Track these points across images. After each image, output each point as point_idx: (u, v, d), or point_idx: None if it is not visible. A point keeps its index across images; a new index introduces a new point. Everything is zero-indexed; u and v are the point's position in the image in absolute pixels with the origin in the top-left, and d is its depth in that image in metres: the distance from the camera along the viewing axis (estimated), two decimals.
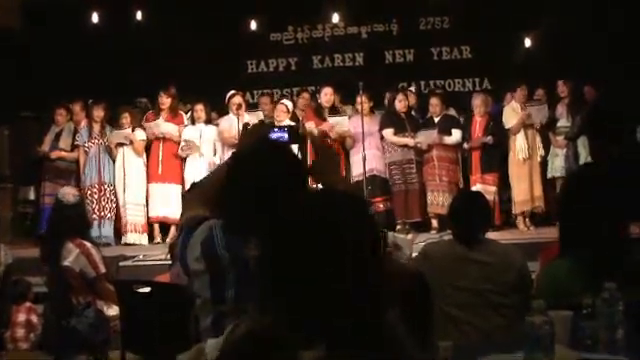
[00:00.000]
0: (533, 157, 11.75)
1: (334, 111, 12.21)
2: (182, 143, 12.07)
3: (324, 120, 11.91)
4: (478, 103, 11.91)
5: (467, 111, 12.38)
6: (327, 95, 12.15)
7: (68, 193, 7.14)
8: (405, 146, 11.81)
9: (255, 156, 3.31)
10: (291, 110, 11.92)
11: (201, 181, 3.73)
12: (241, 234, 3.13)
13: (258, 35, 15.12)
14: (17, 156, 13.42)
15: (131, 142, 12.09)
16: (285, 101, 12.33)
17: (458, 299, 4.81)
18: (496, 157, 11.77)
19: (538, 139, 11.88)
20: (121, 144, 12.16)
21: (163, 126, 12.13)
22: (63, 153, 12.48)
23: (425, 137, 11.73)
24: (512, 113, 11.82)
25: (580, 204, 3.20)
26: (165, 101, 12.29)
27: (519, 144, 11.69)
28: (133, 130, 12.19)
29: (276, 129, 3.94)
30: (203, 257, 3.19)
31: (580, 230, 3.16)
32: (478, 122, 11.82)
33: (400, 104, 11.96)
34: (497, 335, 4.55)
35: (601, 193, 3.12)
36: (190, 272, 3.29)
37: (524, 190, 11.68)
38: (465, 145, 11.83)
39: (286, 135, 3.87)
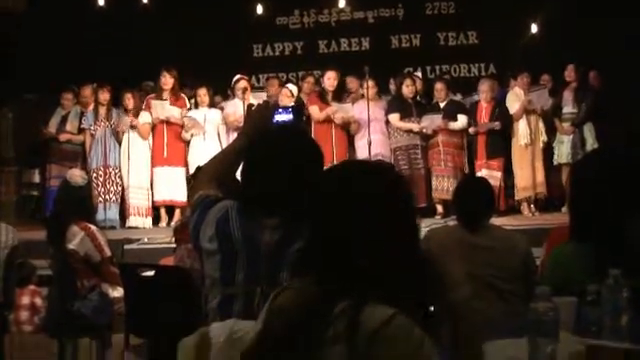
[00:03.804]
0: (535, 143, 11.74)
1: (338, 98, 12.20)
2: (186, 121, 12.05)
3: (328, 104, 11.90)
4: (485, 89, 11.89)
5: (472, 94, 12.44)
6: (330, 79, 12.12)
7: (76, 175, 7.13)
8: (411, 131, 11.80)
9: (276, 142, 3.30)
10: (295, 94, 11.94)
11: (208, 163, 3.71)
12: (258, 217, 3.14)
13: (264, 19, 15.09)
14: (21, 139, 13.42)
15: (134, 127, 12.09)
16: (289, 85, 12.35)
17: None
18: (501, 142, 11.75)
19: (541, 125, 11.87)
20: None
21: (167, 109, 12.11)
22: (71, 136, 12.50)
23: (430, 122, 11.72)
24: (515, 98, 11.81)
25: (589, 190, 3.19)
26: (168, 81, 12.25)
27: (521, 130, 11.68)
28: (137, 113, 12.18)
29: (281, 109, 3.92)
30: (217, 236, 3.18)
31: (589, 216, 3.15)
32: (484, 108, 11.80)
33: (407, 89, 11.94)
34: (501, 320, 4.55)
35: (609, 179, 3.11)
36: (202, 251, 3.28)
37: (526, 176, 11.67)
38: (471, 130, 11.80)
39: (291, 115, 3.85)
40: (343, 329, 2.05)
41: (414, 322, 2.08)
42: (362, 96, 12.03)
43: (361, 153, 11.63)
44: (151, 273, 6.14)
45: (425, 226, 8.47)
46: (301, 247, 2.41)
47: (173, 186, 12.06)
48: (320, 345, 2.07)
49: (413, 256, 2.24)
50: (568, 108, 11.84)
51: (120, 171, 12.19)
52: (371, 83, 11.81)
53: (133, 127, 12.11)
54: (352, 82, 12.56)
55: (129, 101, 12.24)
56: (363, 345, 2.03)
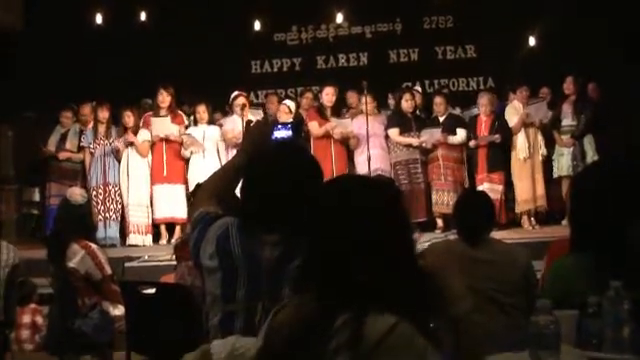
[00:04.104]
0: (534, 156, 11.74)
1: (337, 113, 12.23)
2: (185, 139, 12.06)
3: (327, 120, 11.91)
4: (484, 102, 11.90)
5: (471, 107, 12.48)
6: (329, 95, 12.13)
7: (76, 193, 7.14)
8: (410, 145, 11.81)
9: (275, 158, 3.31)
10: (293, 110, 11.95)
11: (207, 180, 3.72)
12: (258, 234, 3.14)
13: (262, 35, 15.14)
14: (21, 157, 13.43)
15: (131, 144, 12.09)
16: (287, 102, 12.36)
17: None
18: (502, 156, 11.76)
19: (540, 138, 11.88)
20: (126, 145, 12.17)
21: (167, 126, 12.12)
22: (70, 154, 12.51)
23: (429, 136, 11.73)
24: (514, 112, 11.83)
25: (589, 202, 3.19)
26: (165, 99, 12.26)
27: (520, 143, 11.70)
28: (137, 130, 12.19)
29: (280, 125, 3.93)
30: (217, 253, 3.18)
31: (590, 228, 3.15)
32: (484, 121, 11.81)
33: (407, 103, 11.96)
34: (502, 334, 4.55)
35: (609, 191, 3.11)
36: (203, 268, 3.28)
37: (526, 189, 11.68)
38: (472, 143, 11.81)
39: (290, 131, 3.86)
40: (346, 340, 2.06)
41: (417, 331, 2.09)
42: (361, 111, 12.03)
43: (361, 168, 11.63)
44: (152, 291, 6.13)
45: (425, 240, 8.49)
46: (300, 263, 2.42)
47: (173, 203, 12.05)
48: (322, 359, 2.08)
49: (412, 270, 2.25)
50: (567, 120, 11.84)
51: (120, 189, 12.18)
52: (369, 98, 11.82)
53: (131, 144, 12.10)
54: (352, 97, 12.58)
55: (129, 118, 12.24)
56: (366, 355, 2.03)
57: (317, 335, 2.10)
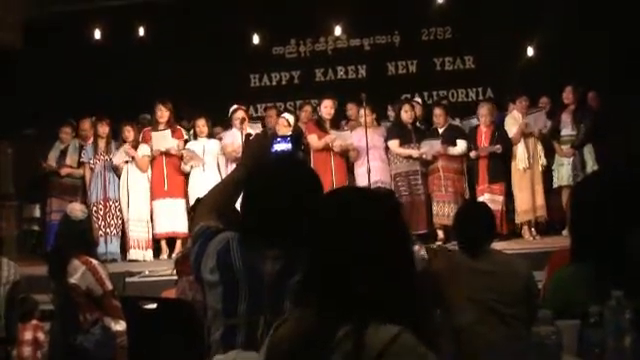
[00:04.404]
0: (534, 166, 11.74)
1: (336, 126, 12.25)
2: (184, 154, 12.07)
3: (326, 133, 11.92)
4: (484, 112, 11.90)
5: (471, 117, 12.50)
6: (327, 108, 12.16)
7: (76, 209, 7.14)
8: (410, 157, 11.81)
9: (275, 172, 3.31)
10: (292, 123, 11.95)
11: (207, 194, 3.71)
12: (258, 248, 3.14)
13: (261, 49, 15.16)
14: (21, 174, 13.43)
15: (133, 158, 12.11)
16: (286, 115, 12.36)
17: None
18: (502, 167, 11.75)
19: (539, 148, 11.87)
20: (125, 161, 12.18)
21: (168, 140, 12.14)
22: (71, 170, 12.51)
23: (429, 147, 11.73)
24: (513, 122, 11.83)
25: (589, 211, 3.19)
26: (164, 114, 12.30)
27: (520, 154, 11.69)
28: (136, 145, 12.20)
29: (279, 139, 3.92)
30: (218, 268, 3.18)
31: (590, 238, 3.15)
32: (484, 132, 11.81)
33: (406, 114, 11.97)
34: (503, 344, 4.55)
35: (610, 200, 3.11)
36: (204, 283, 3.28)
37: (526, 200, 11.66)
38: (472, 154, 11.81)
39: (290, 145, 3.85)
40: (348, 351, 2.06)
41: (418, 340, 2.09)
42: (360, 124, 12.04)
43: (360, 180, 11.63)
44: (153, 306, 6.13)
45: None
46: (301, 277, 2.42)
47: (173, 218, 12.06)
48: None
49: (412, 281, 2.25)
50: (567, 130, 11.84)
51: (120, 204, 12.20)
52: (368, 110, 11.82)
53: (132, 159, 12.12)
54: (352, 109, 12.62)
55: (129, 133, 12.27)
56: None
57: (318, 348, 2.10)
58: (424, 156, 11.78)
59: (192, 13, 14.83)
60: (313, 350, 2.11)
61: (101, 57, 14.30)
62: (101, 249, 11.16)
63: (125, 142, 12.30)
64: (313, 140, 11.83)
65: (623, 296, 2.72)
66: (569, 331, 2.82)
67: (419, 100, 13.63)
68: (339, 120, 12.52)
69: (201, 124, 12.29)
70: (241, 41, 14.79)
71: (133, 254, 12.07)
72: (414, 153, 11.79)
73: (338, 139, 11.84)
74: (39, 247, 12.83)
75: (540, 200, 11.71)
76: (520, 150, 11.68)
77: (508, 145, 11.66)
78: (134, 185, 12.14)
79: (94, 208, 11.88)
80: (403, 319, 2.12)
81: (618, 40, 13.10)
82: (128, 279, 10.20)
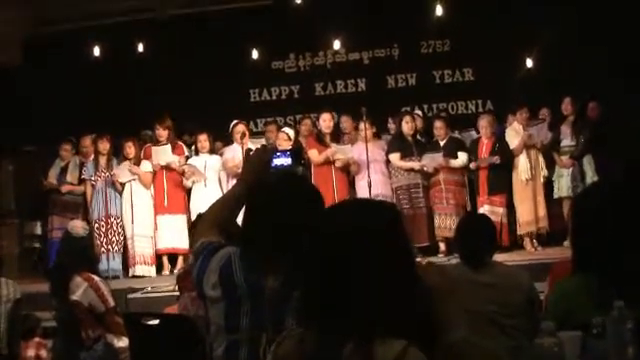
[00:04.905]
0: (536, 178, 11.74)
1: (336, 140, 12.24)
2: (186, 169, 12.08)
3: (326, 146, 11.93)
4: (484, 124, 11.91)
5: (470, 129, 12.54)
6: (325, 121, 12.18)
7: (78, 226, 7.13)
8: (412, 170, 11.81)
9: (275, 187, 3.32)
10: (292, 138, 11.95)
11: (208, 210, 3.72)
12: (260, 263, 3.14)
13: (260, 64, 15.15)
14: (22, 191, 13.44)
15: (134, 174, 12.12)
16: (286, 129, 12.37)
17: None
18: (503, 178, 11.74)
19: (541, 159, 11.87)
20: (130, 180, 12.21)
21: (169, 155, 12.16)
22: (72, 187, 12.52)
23: (431, 160, 11.73)
24: (514, 134, 11.82)
25: (590, 222, 3.20)
26: (162, 133, 12.35)
27: (522, 165, 11.69)
28: (138, 162, 12.21)
29: (279, 153, 3.91)
30: (220, 283, 3.18)
31: (592, 248, 3.15)
32: (485, 144, 11.81)
33: (407, 125, 11.97)
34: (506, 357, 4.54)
35: (610, 211, 3.11)
36: (206, 298, 3.28)
37: (528, 211, 11.66)
38: (472, 165, 11.82)
39: (290, 159, 3.85)
40: None
41: (423, 354, 2.09)
42: (359, 137, 12.06)
43: (362, 194, 11.63)
44: (155, 322, 6.13)
45: None
46: (301, 291, 2.41)
47: (174, 234, 12.06)
48: None
49: (413, 294, 2.24)
50: (566, 141, 11.87)
51: (122, 220, 12.20)
52: (369, 124, 11.82)
53: (134, 174, 12.12)
54: (346, 122, 12.63)
55: (130, 149, 12.27)
56: None
57: None
58: (425, 168, 11.78)
59: (191, 29, 14.84)
60: None
61: (101, 73, 14.28)
62: (103, 266, 11.16)
63: (126, 158, 12.30)
64: (314, 155, 11.83)
65: (625, 306, 2.72)
66: (571, 342, 2.82)
67: (419, 113, 13.62)
68: (339, 134, 12.51)
69: (203, 139, 12.31)
70: (240, 56, 14.79)
71: (139, 270, 12.06)
72: (415, 165, 11.79)
73: (339, 153, 11.84)
74: (40, 264, 12.82)
75: (542, 211, 11.71)
76: (522, 161, 11.68)
77: (508, 156, 11.67)
78: (138, 201, 12.13)
79: (96, 225, 11.88)
80: (405, 333, 2.12)
81: (617, 50, 13.10)
82: (130, 295, 10.20)
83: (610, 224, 3.09)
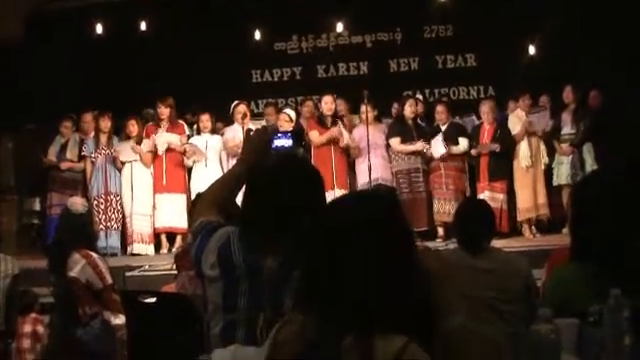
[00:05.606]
0: (537, 165, 11.74)
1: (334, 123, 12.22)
2: (187, 148, 12.09)
3: (327, 129, 11.91)
4: (486, 110, 11.91)
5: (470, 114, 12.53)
6: (327, 104, 12.13)
7: (77, 202, 7.12)
8: (412, 154, 11.80)
9: (275, 168, 3.31)
10: (294, 119, 11.95)
11: (208, 189, 3.71)
12: (259, 243, 3.14)
13: (262, 45, 15.12)
14: (21, 167, 13.44)
15: (136, 152, 12.12)
16: (287, 110, 12.36)
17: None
18: (504, 164, 11.75)
19: (542, 147, 11.88)
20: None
21: (164, 136, 12.15)
22: (71, 164, 12.51)
23: (436, 150, 11.70)
24: (517, 121, 11.82)
25: (589, 210, 3.19)
26: (164, 111, 12.35)
27: (523, 152, 11.69)
28: (140, 140, 12.22)
29: (280, 134, 3.90)
30: (219, 263, 3.18)
31: (590, 236, 3.15)
32: (487, 129, 11.81)
33: (410, 109, 11.95)
34: (501, 341, 4.54)
35: (610, 199, 3.11)
36: (204, 278, 3.28)
37: (528, 198, 11.67)
38: (473, 151, 11.82)
39: (290, 140, 3.84)
40: None
41: (423, 349, 2.09)
42: (358, 119, 12.07)
43: (362, 177, 11.65)
44: (153, 300, 6.14)
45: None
46: (301, 276, 2.41)
47: (173, 213, 12.07)
48: None
49: (413, 286, 2.24)
50: (567, 129, 11.86)
51: (121, 198, 12.20)
52: (370, 107, 11.81)
53: (136, 153, 12.12)
54: (341, 104, 12.58)
55: (132, 128, 12.27)
56: None
57: (323, 357, 2.10)
58: (425, 150, 11.76)
59: (195, 9, 14.80)
60: (318, 358, 2.11)
61: (103, 51, 14.26)
62: (101, 243, 11.13)
63: (128, 137, 12.29)
64: (314, 136, 11.82)
65: (622, 295, 2.72)
66: (568, 329, 2.82)
67: (420, 97, 13.61)
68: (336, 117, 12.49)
69: (205, 119, 12.32)
70: (243, 37, 14.76)
71: (137, 248, 12.08)
72: (419, 147, 11.74)
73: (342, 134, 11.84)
74: (39, 240, 12.82)
75: (542, 198, 11.72)
76: (523, 148, 11.68)
77: (509, 143, 11.67)
78: (138, 179, 12.12)
79: (95, 202, 11.86)
80: (404, 323, 2.12)
81: (619, 39, 13.08)
82: (128, 273, 10.20)
83: (610, 213, 3.08)
